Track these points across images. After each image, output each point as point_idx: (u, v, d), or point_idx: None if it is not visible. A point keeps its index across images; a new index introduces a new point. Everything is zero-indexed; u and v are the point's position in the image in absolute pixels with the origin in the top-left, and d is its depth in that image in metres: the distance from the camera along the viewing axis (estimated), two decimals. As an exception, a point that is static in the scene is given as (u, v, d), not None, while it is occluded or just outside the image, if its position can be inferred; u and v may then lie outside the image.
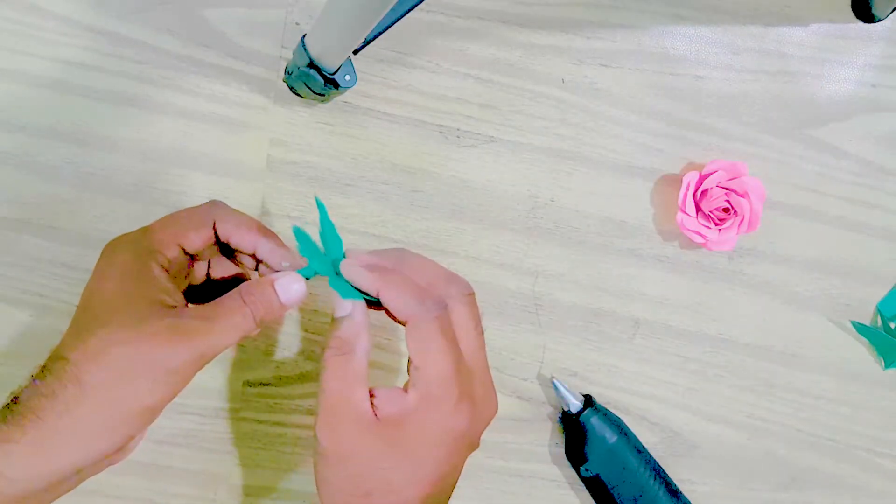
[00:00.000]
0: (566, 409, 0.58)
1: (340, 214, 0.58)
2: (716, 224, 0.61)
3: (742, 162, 0.60)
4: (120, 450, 0.38)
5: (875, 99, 0.65)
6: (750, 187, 0.60)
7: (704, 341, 0.63)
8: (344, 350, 0.39)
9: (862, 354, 0.64)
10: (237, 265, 0.47)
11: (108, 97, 0.56)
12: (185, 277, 0.45)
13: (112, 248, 0.41)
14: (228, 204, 0.45)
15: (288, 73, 0.56)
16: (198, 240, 0.42)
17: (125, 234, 0.41)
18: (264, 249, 0.43)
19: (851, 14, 0.65)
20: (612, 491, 0.57)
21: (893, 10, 0.64)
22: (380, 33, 0.55)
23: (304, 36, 0.52)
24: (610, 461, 0.57)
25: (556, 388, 0.58)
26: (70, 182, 0.55)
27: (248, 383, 0.57)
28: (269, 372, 0.57)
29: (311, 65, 0.51)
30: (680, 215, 0.60)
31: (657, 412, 0.62)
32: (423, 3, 0.56)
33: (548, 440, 0.61)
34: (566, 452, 0.59)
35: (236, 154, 0.57)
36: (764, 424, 0.63)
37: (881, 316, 0.64)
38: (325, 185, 0.58)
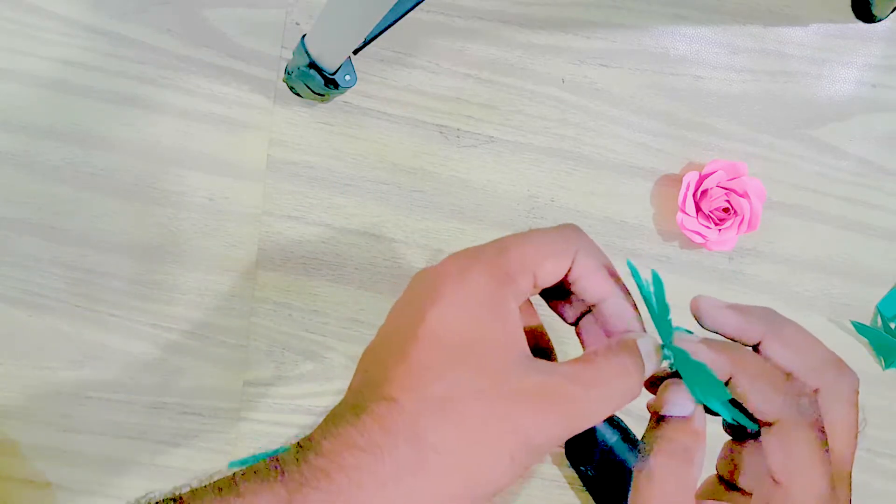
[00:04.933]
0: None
1: (340, 214, 0.58)
2: (716, 224, 0.61)
3: (742, 162, 0.60)
4: None
5: (875, 99, 0.65)
6: (750, 187, 0.60)
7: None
8: (682, 458, 0.30)
9: (862, 354, 0.64)
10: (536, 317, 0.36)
11: (108, 97, 0.56)
12: None
13: (464, 266, 0.30)
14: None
15: (288, 73, 0.56)
16: (554, 272, 0.32)
17: (477, 249, 0.31)
18: (616, 306, 0.33)
19: (851, 14, 0.65)
20: (612, 491, 0.57)
21: (893, 10, 0.64)
22: (380, 33, 0.55)
23: (304, 36, 0.51)
24: (610, 461, 0.57)
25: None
26: (70, 182, 0.55)
27: (248, 383, 0.57)
28: (269, 372, 0.57)
29: (311, 65, 0.51)
30: (680, 215, 0.60)
31: (657, 412, 0.62)
32: (423, 3, 0.56)
33: (548, 440, 0.61)
34: (566, 452, 0.59)
35: (236, 154, 0.57)
36: (764, 424, 0.63)
37: (881, 316, 0.64)
38: (325, 185, 0.58)
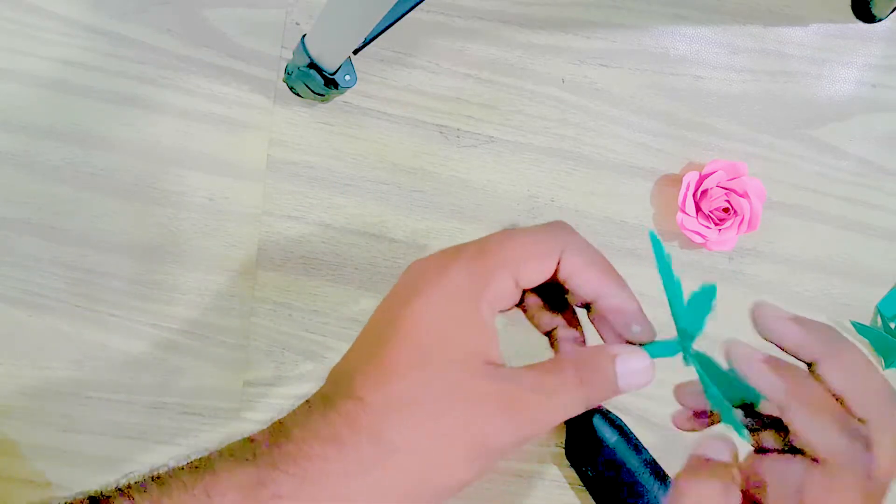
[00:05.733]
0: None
1: (340, 214, 0.58)
2: (716, 224, 0.61)
3: (742, 162, 0.60)
4: None
5: (875, 99, 0.65)
6: (750, 187, 0.60)
7: (704, 341, 0.63)
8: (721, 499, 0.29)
9: (862, 354, 0.64)
10: (559, 317, 0.34)
11: (108, 97, 0.56)
12: None
13: (444, 264, 0.30)
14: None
15: (288, 73, 0.56)
16: (537, 272, 0.31)
17: (459, 248, 0.31)
18: (613, 301, 0.32)
19: (851, 14, 0.65)
20: (612, 491, 0.57)
21: (893, 10, 0.64)
22: (380, 33, 0.55)
23: (304, 36, 0.52)
24: (610, 461, 0.57)
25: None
26: (70, 182, 0.55)
27: (248, 383, 0.57)
28: (269, 372, 0.57)
29: (311, 65, 0.51)
30: (680, 215, 0.60)
31: (657, 412, 0.62)
32: (423, 3, 0.56)
33: (548, 440, 0.60)
34: (566, 452, 0.59)
35: (236, 154, 0.57)
36: (764, 424, 0.63)
37: (881, 316, 0.64)
38: (325, 185, 0.58)
